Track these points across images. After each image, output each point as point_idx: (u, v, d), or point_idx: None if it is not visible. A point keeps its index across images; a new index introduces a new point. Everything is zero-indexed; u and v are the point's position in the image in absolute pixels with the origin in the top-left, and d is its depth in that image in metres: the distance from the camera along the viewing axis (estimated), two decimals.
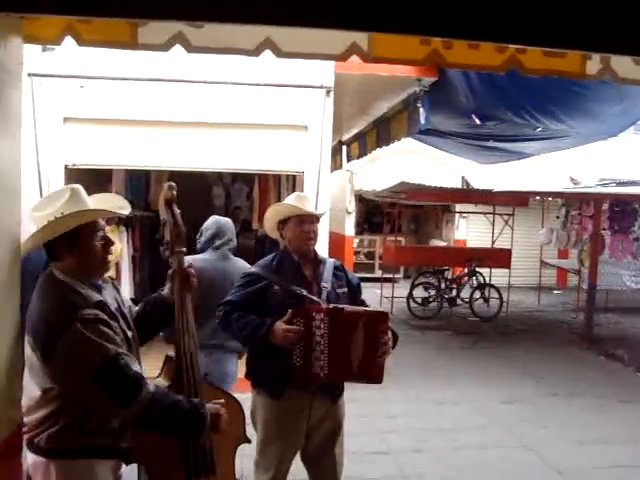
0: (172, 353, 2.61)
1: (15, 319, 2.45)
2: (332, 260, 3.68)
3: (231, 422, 2.65)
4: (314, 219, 3.51)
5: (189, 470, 2.51)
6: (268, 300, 3.36)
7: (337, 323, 3.17)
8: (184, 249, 2.68)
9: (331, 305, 3.25)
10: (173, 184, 2.67)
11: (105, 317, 2.34)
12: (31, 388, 2.39)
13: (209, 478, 2.55)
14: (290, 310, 3.24)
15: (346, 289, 3.54)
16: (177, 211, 2.67)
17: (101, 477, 2.44)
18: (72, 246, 2.40)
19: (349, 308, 3.27)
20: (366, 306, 3.53)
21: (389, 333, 3.25)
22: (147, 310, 2.78)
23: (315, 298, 3.35)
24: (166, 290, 2.73)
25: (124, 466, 2.62)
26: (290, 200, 3.59)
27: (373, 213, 18.67)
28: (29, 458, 2.45)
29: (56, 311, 2.30)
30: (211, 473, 2.55)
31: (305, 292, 3.35)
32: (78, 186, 2.51)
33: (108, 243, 2.51)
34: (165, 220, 2.66)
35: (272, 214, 3.59)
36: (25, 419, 2.44)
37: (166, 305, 2.69)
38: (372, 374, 3.24)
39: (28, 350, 2.34)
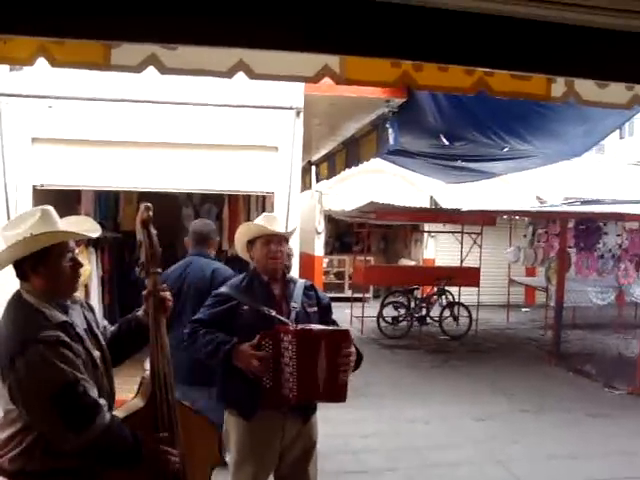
0: (148, 374, 2.59)
1: None
2: (303, 280, 3.69)
3: (206, 445, 2.64)
4: (282, 239, 3.52)
5: None
6: (237, 320, 3.36)
7: (305, 344, 3.16)
8: (159, 270, 2.64)
9: (299, 326, 3.25)
10: (149, 205, 2.63)
11: (67, 339, 2.30)
12: None
13: None
14: (258, 335, 3.23)
15: (316, 308, 3.54)
16: (154, 232, 2.64)
17: None
18: (38, 266, 2.37)
19: (317, 328, 3.26)
20: (337, 326, 3.54)
21: (352, 350, 3.25)
22: (122, 330, 2.75)
23: (284, 319, 3.34)
24: (141, 311, 2.71)
25: None
26: (258, 220, 3.60)
27: (342, 233, 18.73)
28: None
29: (16, 331, 2.28)
30: None
31: (274, 312, 3.35)
32: (49, 207, 2.49)
33: (77, 265, 2.48)
34: (141, 241, 2.62)
35: (241, 234, 3.60)
36: None
37: (141, 326, 2.66)
38: (335, 392, 3.23)
39: None
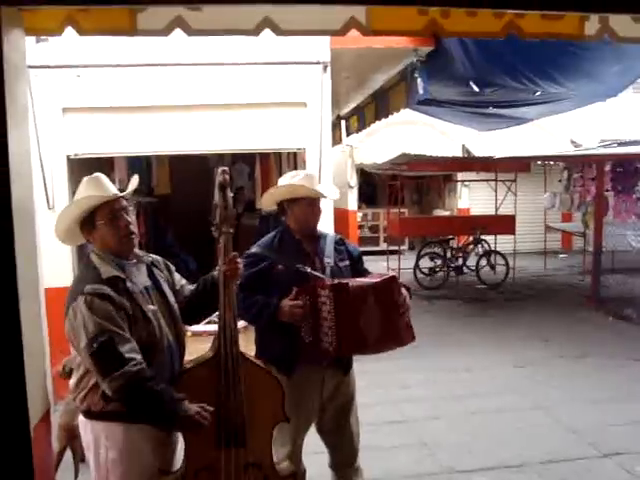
0: None
1: (37, 299, 2.70)
2: (333, 235, 3.70)
3: (269, 400, 2.83)
4: (320, 199, 3.53)
5: (219, 439, 2.68)
6: (272, 279, 3.38)
7: (343, 298, 3.16)
8: (231, 230, 2.82)
9: (335, 280, 3.26)
10: (226, 168, 2.83)
11: (111, 293, 2.51)
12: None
13: (239, 450, 2.71)
14: (295, 288, 3.27)
15: (348, 262, 3.56)
16: (229, 194, 2.81)
17: (131, 441, 2.58)
18: (91, 230, 2.66)
19: (354, 282, 3.26)
20: (369, 274, 3.55)
21: (403, 291, 3.29)
22: (200, 289, 2.98)
23: (319, 274, 3.36)
24: (217, 271, 2.88)
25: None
26: (301, 180, 3.51)
27: (375, 186, 18.64)
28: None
29: (73, 284, 2.62)
30: (240, 446, 2.70)
31: (309, 269, 3.36)
32: (97, 175, 2.74)
33: (124, 224, 2.69)
34: (217, 203, 2.80)
35: (283, 192, 3.51)
36: (70, 381, 2.70)
37: (216, 285, 2.84)
38: (400, 336, 3.24)
39: None
